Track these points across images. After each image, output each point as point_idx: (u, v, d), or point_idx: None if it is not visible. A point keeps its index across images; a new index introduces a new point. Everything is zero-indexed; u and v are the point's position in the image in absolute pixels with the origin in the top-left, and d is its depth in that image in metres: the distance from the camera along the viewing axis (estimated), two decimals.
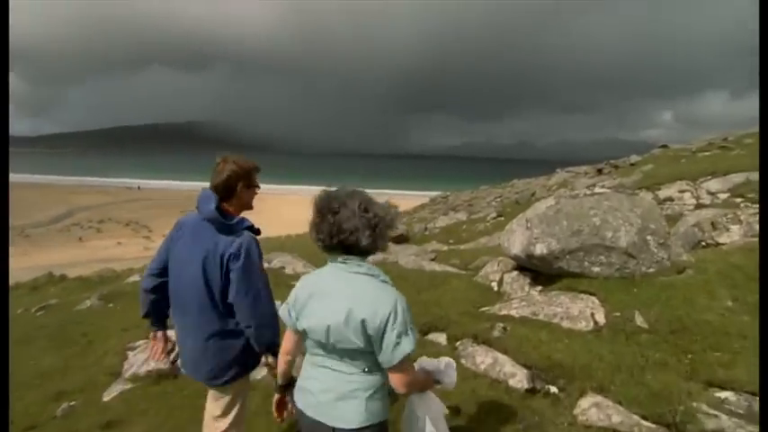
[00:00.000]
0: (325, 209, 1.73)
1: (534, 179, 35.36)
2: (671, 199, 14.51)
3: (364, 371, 1.72)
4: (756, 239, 6.10)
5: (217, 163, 2.32)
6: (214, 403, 2.43)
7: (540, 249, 4.05)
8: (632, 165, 21.40)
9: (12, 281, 26.09)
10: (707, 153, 19.96)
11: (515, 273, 4.81)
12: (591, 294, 3.84)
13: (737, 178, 11.64)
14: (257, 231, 2.34)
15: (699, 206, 13.80)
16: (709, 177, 13.67)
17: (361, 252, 1.72)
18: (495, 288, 4.95)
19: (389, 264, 6.80)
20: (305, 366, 1.88)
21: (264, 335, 2.23)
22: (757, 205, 8.72)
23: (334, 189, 1.79)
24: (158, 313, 2.50)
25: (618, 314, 3.51)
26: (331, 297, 1.71)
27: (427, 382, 1.93)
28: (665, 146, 27.81)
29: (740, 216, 7.03)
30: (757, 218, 6.83)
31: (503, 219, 22.51)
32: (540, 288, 4.45)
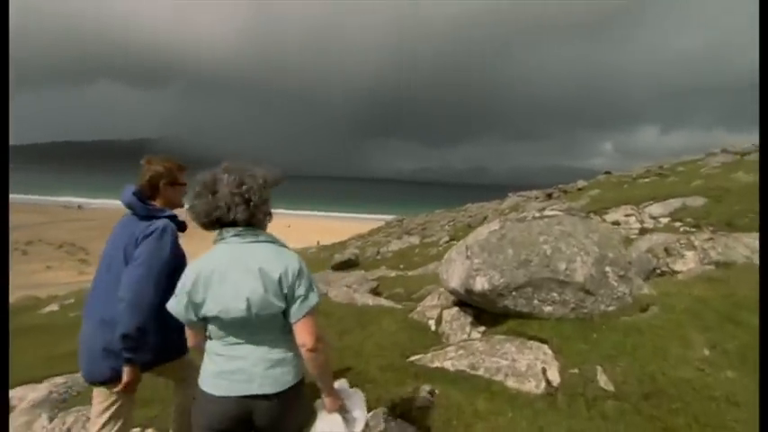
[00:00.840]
0: (201, 188, 1.73)
1: (487, 203, 35.60)
2: (617, 223, 14.47)
3: (282, 334, 1.75)
4: (713, 267, 5.70)
5: (141, 165, 2.35)
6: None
7: (480, 284, 3.27)
8: (579, 189, 21.72)
9: None
10: (646, 179, 20.64)
11: (455, 309, 4.00)
12: (542, 341, 3.07)
13: (676, 203, 12.09)
14: (181, 224, 2.34)
15: (643, 230, 13.80)
16: (651, 202, 13.89)
17: (253, 224, 1.75)
18: (433, 327, 4.11)
19: None
20: (217, 351, 1.77)
21: (126, 316, 2.03)
22: (707, 232, 8.52)
23: (213, 169, 1.77)
24: None
25: (576, 371, 2.75)
26: (237, 271, 1.70)
27: (331, 374, 1.84)
28: (608, 172, 28.77)
29: (694, 242, 6.67)
30: (711, 244, 6.48)
31: (455, 242, 22.18)
32: (482, 329, 3.65)
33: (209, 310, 1.71)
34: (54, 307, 19.66)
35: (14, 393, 4.22)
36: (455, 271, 3.68)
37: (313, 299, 1.71)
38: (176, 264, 2.18)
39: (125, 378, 2.12)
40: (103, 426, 2.21)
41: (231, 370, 1.72)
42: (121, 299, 2.05)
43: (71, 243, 60.69)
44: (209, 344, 1.80)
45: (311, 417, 1.85)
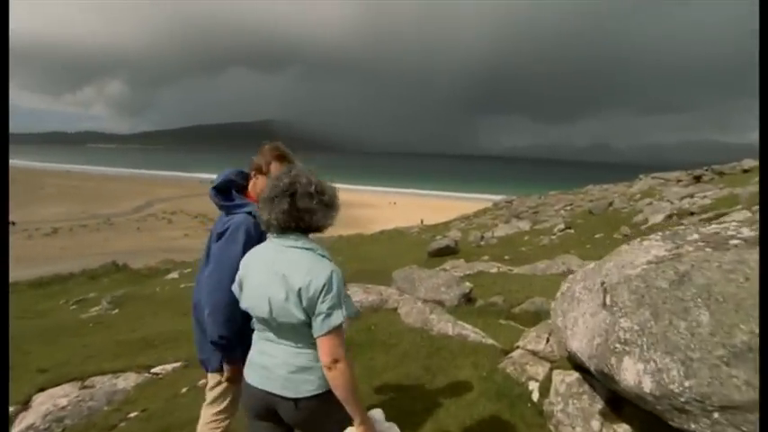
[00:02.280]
0: (269, 192, 1.74)
1: (613, 185, 31.13)
2: None
3: (311, 343, 1.70)
4: None
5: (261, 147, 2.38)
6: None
7: (635, 376, 1.71)
8: (746, 171, 17.22)
9: (85, 266, 27.24)
10: None
11: (576, 377, 2.50)
12: None
13: None
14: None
15: None
16: None
17: (310, 231, 1.75)
18: (535, 396, 2.67)
19: (382, 314, 4.61)
20: (255, 341, 1.85)
21: (210, 326, 2.04)
22: None
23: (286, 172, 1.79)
24: None
25: None
26: (266, 273, 1.71)
27: (358, 399, 1.69)
28: None
29: None
30: None
31: (571, 232, 19.32)
32: (621, 430, 2.12)
33: (243, 303, 1.80)
34: (175, 275, 21.59)
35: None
36: (581, 325, 2.17)
37: (336, 319, 1.63)
38: None
39: (225, 375, 2.21)
40: (213, 401, 2.31)
41: (260, 364, 1.78)
42: (204, 305, 2.07)
43: (204, 214, 68.41)
44: (254, 333, 1.87)
45: None
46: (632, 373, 1.73)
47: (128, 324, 8.62)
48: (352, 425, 1.71)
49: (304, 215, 1.68)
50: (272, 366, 1.72)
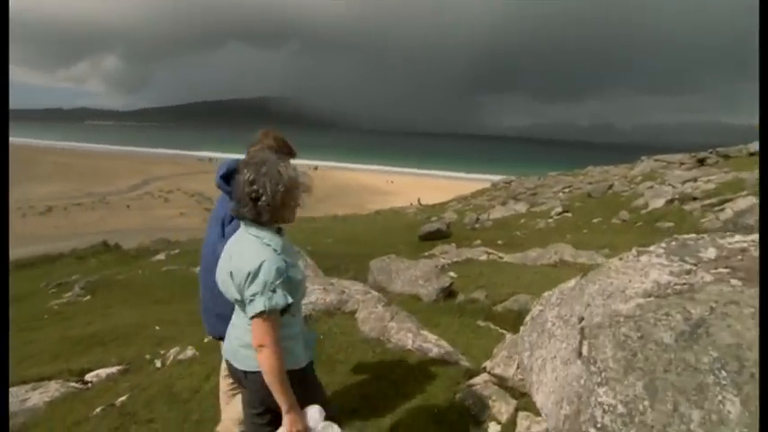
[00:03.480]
0: (242, 175, 1.78)
1: (613, 167, 30.30)
2: None
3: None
4: None
5: (260, 132, 2.43)
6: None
7: None
8: (752, 155, 16.42)
9: (78, 246, 26.83)
10: None
11: (546, 426, 1.94)
12: None
13: None
14: None
15: None
16: None
17: (253, 219, 1.77)
18: None
19: (338, 319, 3.98)
20: None
21: (222, 298, 2.08)
22: None
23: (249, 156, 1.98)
24: None
25: None
26: (226, 255, 1.83)
27: (284, 387, 1.69)
28: None
29: None
30: None
31: (569, 215, 18.68)
32: None
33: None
34: (162, 256, 21.10)
35: None
36: (549, 374, 1.59)
37: (258, 305, 1.67)
38: None
39: None
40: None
41: (227, 334, 1.92)
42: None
43: (200, 193, 67.73)
44: None
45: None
46: None
47: (89, 315, 8.11)
48: (303, 407, 1.74)
49: (236, 206, 1.78)
50: (231, 338, 1.89)
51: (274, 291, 1.68)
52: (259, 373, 1.71)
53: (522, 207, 22.76)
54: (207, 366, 3.83)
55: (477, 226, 20.28)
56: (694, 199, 13.17)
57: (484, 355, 3.42)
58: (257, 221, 1.75)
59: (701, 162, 18.33)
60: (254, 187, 1.71)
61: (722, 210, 10.96)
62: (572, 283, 1.98)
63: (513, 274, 7.08)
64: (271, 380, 1.67)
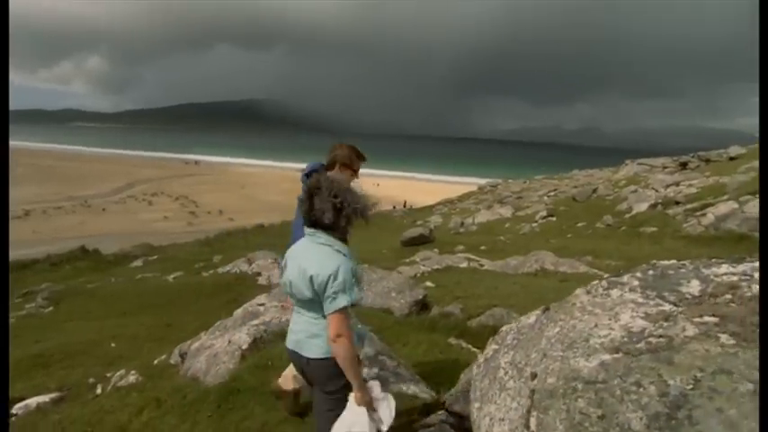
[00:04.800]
0: (309, 191, 2.07)
1: (598, 170, 30.38)
2: None
3: (323, 317, 2.04)
4: None
5: (333, 145, 2.90)
6: None
7: None
8: (732, 159, 16.43)
9: (56, 251, 25.93)
10: None
11: None
12: None
13: None
14: None
15: None
16: None
17: (326, 228, 2.05)
18: None
19: None
20: (292, 314, 2.28)
21: None
22: None
23: (319, 175, 2.18)
24: None
25: None
26: (297, 259, 2.12)
27: (356, 369, 2.04)
28: None
29: None
30: None
31: (553, 219, 18.53)
32: None
33: (281, 279, 2.24)
34: (139, 263, 20.47)
35: None
36: (498, 419, 1.25)
37: (341, 302, 1.96)
38: None
39: None
40: None
41: (291, 329, 2.24)
42: None
43: (185, 196, 66.61)
44: None
45: (342, 402, 2.08)
46: None
47: (43, 330, 7.62)
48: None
49: (318, 213, 2.02)
50: (296, 331, 2.17)
51: (352, 288, 1.99)
52: (321, 359, 2.06)
53: (507, 211, 22.60)
54: (145, 396, 3.43)
55: (461, 230, 20.04)
56: (677, 203, 13.05)
57: (449, 381, 3.11)
58: (331, 229, 2.03)
59: (684, 166, 18.33)
60: (338, 199, 2.00)
61: (704, 215, 10.81)
62: (532, 318, 1.66)
63: (492, 284, 6.79)
64: (346, 364, 1.98)
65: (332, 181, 2.04)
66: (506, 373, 1.48)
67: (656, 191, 15.51)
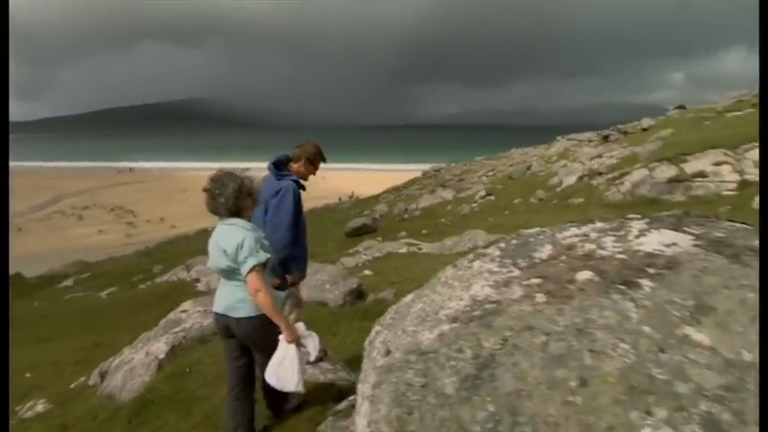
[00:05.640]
0: (210, 193, 2.60)
1: (533, 148, 31.71)
2: (703, 174, 11.07)
3: (243, 282, 2.51)
4: None
5: (302, 141, 3.44)
6: None
7: None
8: (645, 130, 17.76)
9: None
10: (738, 113, 16.40)
11: None
12: None
13: None
14: (301, 185, 3.35)
15: (743, 184, 10.36)
16: (753, 144, 10.23)
17: (231, 213, 2.59)
18: None
19: (210, 346, 3.60)
20: (219, 284, 2.80)
21: (278, 255, 3.05)
22: None
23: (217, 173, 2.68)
24: None
25: None
26: (214, 240, 2.61)
27: (280, 314, 2.64)
28: (682, 106, 24.11)
29: None
30: None
31: (492, 198, 19.23)
32: None
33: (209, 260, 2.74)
34: (69, 282, 19.14)
35: None
36: (361, 419, 1.29)
37: (251, 262, 2.45)
38: (297, 210, 3.24)
39: (290, 281, 3.34)
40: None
41: (218, 296, 2.71)
42: (268, 238, 2.82)
43: (121, 206, 62.64)
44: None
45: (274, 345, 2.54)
46: None
47: None
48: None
49: (220, 207, 2.57)
50: (224, 297, 2.65)
51: (258, 252, 2.48)
52: (250, 318, 2.53)
53: (448, 194, 23.14)
54: (50, 425, 3.24)
55: (405, 216, 20.31)
56: (600, 174, 13.93)
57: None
58: (235, 214, 2.56)
59: (606, 139, 19.55)
60: (229, 189, 2.52)
61: (622, 183, 11.63)
62: (409, 297, 1.71)
63: (427, 266, 6.95)
64: (270, 311, 2.47)
65: (215, 179, 2.58)
66: (379, 352, 1.52)
67: (583, 163, 16.45)
